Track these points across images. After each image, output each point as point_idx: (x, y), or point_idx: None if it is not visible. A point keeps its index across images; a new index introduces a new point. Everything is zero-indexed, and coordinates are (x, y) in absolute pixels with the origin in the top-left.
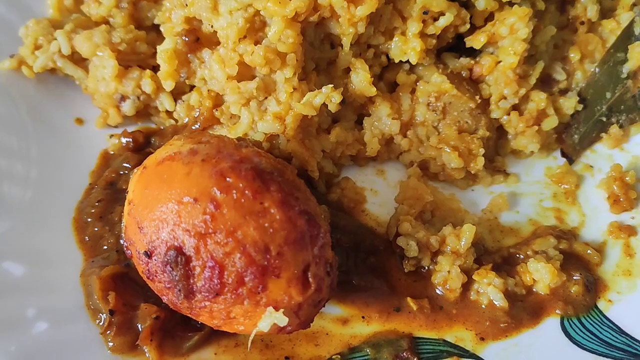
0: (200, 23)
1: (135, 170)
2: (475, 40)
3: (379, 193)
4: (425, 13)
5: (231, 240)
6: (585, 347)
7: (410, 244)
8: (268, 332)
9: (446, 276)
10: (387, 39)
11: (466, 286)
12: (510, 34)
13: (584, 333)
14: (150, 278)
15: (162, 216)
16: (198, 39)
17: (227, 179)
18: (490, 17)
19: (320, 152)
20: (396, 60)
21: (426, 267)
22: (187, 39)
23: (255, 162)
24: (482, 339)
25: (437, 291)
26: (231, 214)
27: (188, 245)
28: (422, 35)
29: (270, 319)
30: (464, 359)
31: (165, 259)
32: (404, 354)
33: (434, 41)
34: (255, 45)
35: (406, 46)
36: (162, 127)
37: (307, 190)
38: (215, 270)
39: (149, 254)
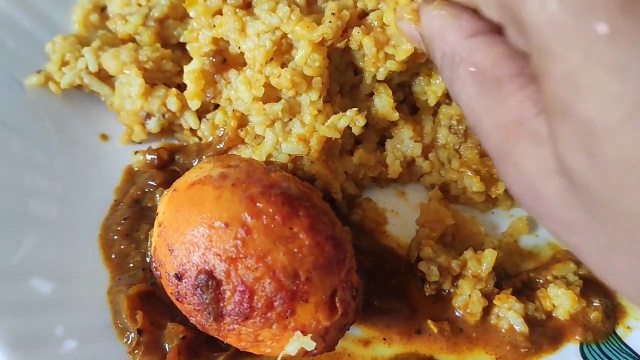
0: (227, 44)
1: (165, 192)
2: None
3: (400, 214)
4: None
5: (261, 265)
6: None
7: (432, 268)
8: (295, 355)
9: (467, 300)
10: (411, 75)
11: (486, 310)
12: None
13: (601, 358)
14: (180, 300)
15: (193, 240)
16: (225, 60)
17: (257, 204)
18: None
19: (343, 174)
20: (416, 96)
21: (447, 290)
22: (214, 60)
23: (284, 187)
24: None
25: (457, 314)
26: (261, 239)
27: (219, 270)
28: None
29: (298, 343)
30: None
31: (196, 283)
32: None
33: None
34: (282, 67)
35: (428, 88)
36: (185, 144)
37: (333, 214)
38: (246, 294)
39: (179, 277)
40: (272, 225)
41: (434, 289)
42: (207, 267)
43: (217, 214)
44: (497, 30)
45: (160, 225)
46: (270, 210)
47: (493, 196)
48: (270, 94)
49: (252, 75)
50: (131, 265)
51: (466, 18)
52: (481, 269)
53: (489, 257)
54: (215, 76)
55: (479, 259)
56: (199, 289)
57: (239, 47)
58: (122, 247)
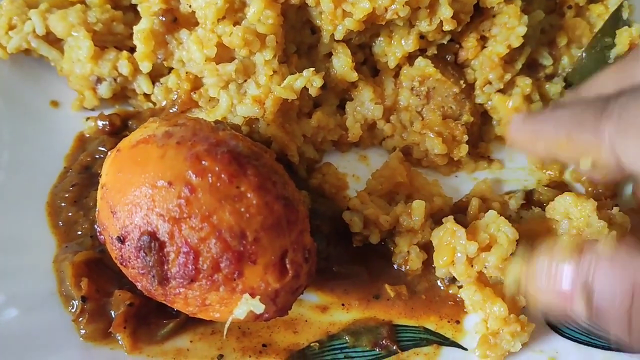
0: (178, 3)
1: (109, 153)
2: (468, 50)
3: (361, 179)
4: (421, 37)
5: (206, 225)
6: (566, 335)
7: (355, 219)
8: (244, 319)
9: (406, 257)
10: (371, 36)
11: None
12: (503, 28)
13: (565, 321)
14: (124, 264)
15: (135, 200)
16: (176, 19)
17: (203, 162)
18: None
19: (301, 137)
20: (377, 58)
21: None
22: (164, 19)
23: (232, 145)
24: (457, 322)
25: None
26: (206, 198)
27: (162, 231)
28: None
29: (247, 305)
30: (444, 347)
31: (139, 245)
32: (384, 341)
33: (417, 47)
34: (235, 26)
35: (389, 49)
36: (139, 110)
37: (286, 174)
38: (190, 256)
39: (122, 239)
40: (218, 184)
41: (359, 241)
42: (149, 229)
43: (161, 173)
44: None
45: (103, 187)
46: (216, 168)
47: (455, 159)
48: (224, 54)
49: (204, 34)
50: (79, 232)
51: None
52: (413, 222)
53: (418, 208)
54: (167, 37)
55: (409, 212)
56: (141, 252)
57: (190, 6)
58: (70, 214)
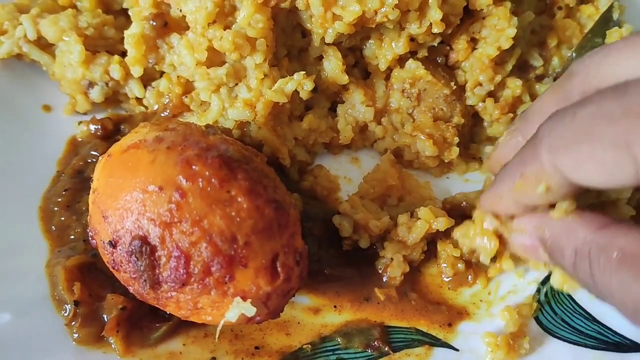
0: (168, 7)
1: (101, 158)
2: (459, 52)
3: (353, 181)
4: (412, 40)
5: (197, 229)
6: (557, 335)
7: (344, 224)
8: (236, 322)
9: (388, 263)
10: (362, 39)
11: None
12: (493, 30)
13: (556, 321)
14: (116, 268)
15: (126, 205)
16: (166, 23)
17: (193, 167)
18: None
19: (293, 140)
20: (367, 61)
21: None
22: (155, 24)
23: (222, 149)
24: (450, 324)
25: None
26: (197, 203)
27: (153, 235)
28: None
29: (238, 309)
30: (435, 348)
31: (130, 249)
32: (375, 342)
33: (408, 49)
34: (225, 30)
35: (380, 52)
36: (132, 114)
37: (277, 178)
38: (181, 260)
39: (113, 244)
40: (209, 189)
41: (349, 245)
42: (140, 233)
43: (151, 178)
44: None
45: (94, 192)
46: (207, 173)
47: (446, 161)
48: (214, 58)
49: (195, 38)
50: (72, 237)
51: (588, 214)
52: (409, 238)
53: (420, 228)
54: (157, 41)
55: (410, 227)
56: (133, 256)
57: (180, 10)
58: (63, 218)
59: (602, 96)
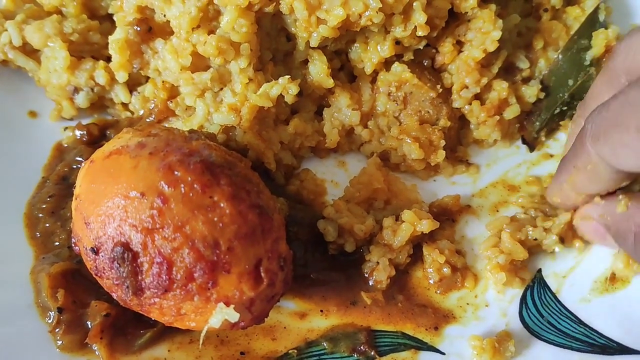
0: (153, 12)
1: (83, 164)
2: (445, 55)
3: (340, 185)
4: (397, 43)
5: (179, 235)
6: (543, 337)
7: (329, 228)
8: (220, 328)
9: (374, 267)
10: (347, 42)
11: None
12: (478, 33)
13: (542, 323)
14: (99, 275)
15: (108, 211)
16: (151, 28)
17: (175, 172)
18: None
19: (278, 144)
20: (353, 64)
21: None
22: (139, 29)
23: (205, 155)
24: (436, 328)
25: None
26: (179, 209)
27: (135, 241)
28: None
29: (221, 314)
30: (421, 352)
31: (112, 255)
32: (362, 347)
33: (393, 52)
34: (209, 35)
35: (365, 55)
36: (118, 119)
37: (261, 182)
38: (164, 266)
39: (95, 250)
40: (191, 194)
41: (334, 249)
42: (122, 239)
43: (133, 184)
44: None
45: (77, 198)
46: (189, 178)
47: (433, 164)
48: (199, 63)
49: (179, 43)
50: (56, 243)
51: None
52: (394, 241)
53: (405, 230)
54: (142, 46)
55: (395, 230)
56: (115, 262)
57: (165, 15)
58: (47, 225)
59: (631, 86)
